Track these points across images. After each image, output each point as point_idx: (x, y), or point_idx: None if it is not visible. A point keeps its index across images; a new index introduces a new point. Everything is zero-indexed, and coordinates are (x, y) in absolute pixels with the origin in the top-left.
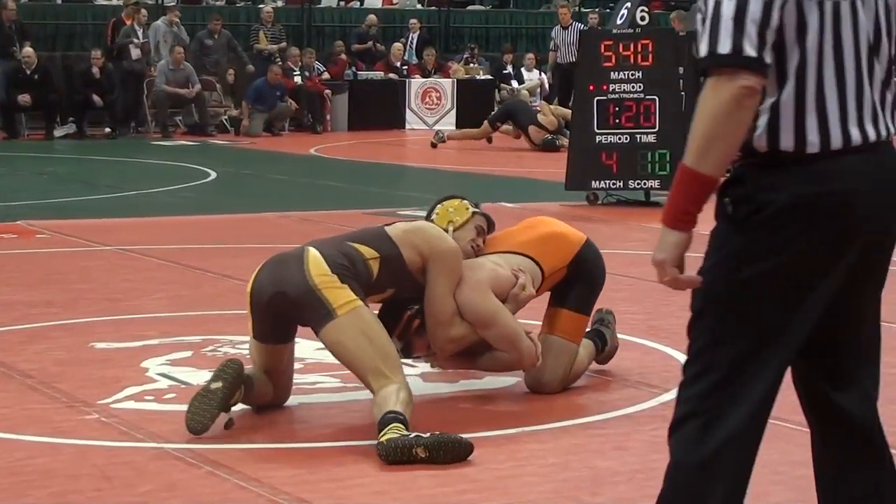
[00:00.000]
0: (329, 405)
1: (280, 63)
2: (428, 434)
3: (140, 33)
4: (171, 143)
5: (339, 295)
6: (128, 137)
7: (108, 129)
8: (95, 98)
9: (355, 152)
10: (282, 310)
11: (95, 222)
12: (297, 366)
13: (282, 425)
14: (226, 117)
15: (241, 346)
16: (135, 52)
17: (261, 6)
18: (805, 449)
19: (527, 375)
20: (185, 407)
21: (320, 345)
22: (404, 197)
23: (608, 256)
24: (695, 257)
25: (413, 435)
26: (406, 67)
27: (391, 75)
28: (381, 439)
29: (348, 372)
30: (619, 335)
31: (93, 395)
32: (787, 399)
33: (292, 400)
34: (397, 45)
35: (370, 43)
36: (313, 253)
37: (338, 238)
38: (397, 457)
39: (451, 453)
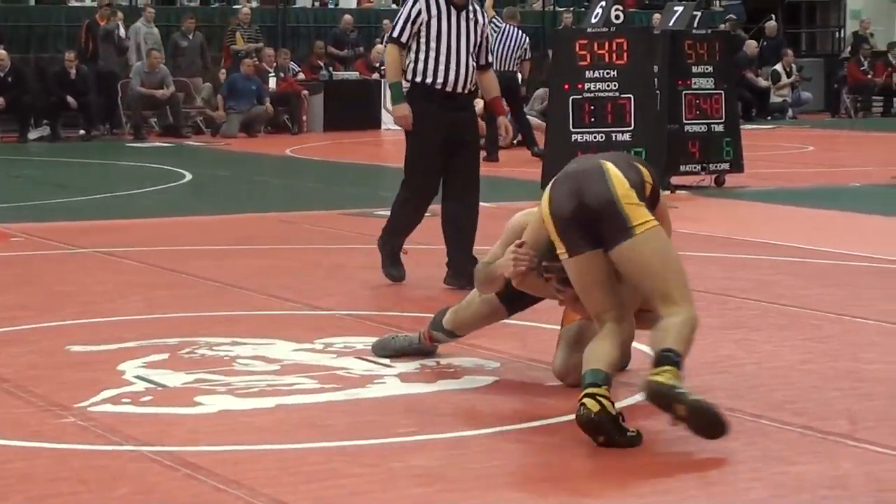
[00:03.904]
0: (307, 406)
1: (251, 61)
2: (699, 397)
3: (122, 33)
4: (146, 145)
5: (639, 213)
6: (102, 140)
7: (82, 132)
8: (70, 100)
9: (331, 153)
10: (584, 221)
11: (70, 225)
12: (274, 367)
13: (260, 427)
14: (201, 118)
15: (217, 347)
16: (129, 55)
17: (235, 7)
18: (784, 446)
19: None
20: (162, 410)
21: (297, 346)
22: (381, 197)
23: None
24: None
25: (683, 390)
26: (384, 68)
27: (374, 76)
28: (652, 378)
29: (326, 373)
30: None
31: (69, 398)
32: (767, 397)
33: (269, 401)
34: (379, 47)
35: (346, 50)
36: (612, 168)
37: (621, 155)
38: (658, 403)
39: (708, 426)
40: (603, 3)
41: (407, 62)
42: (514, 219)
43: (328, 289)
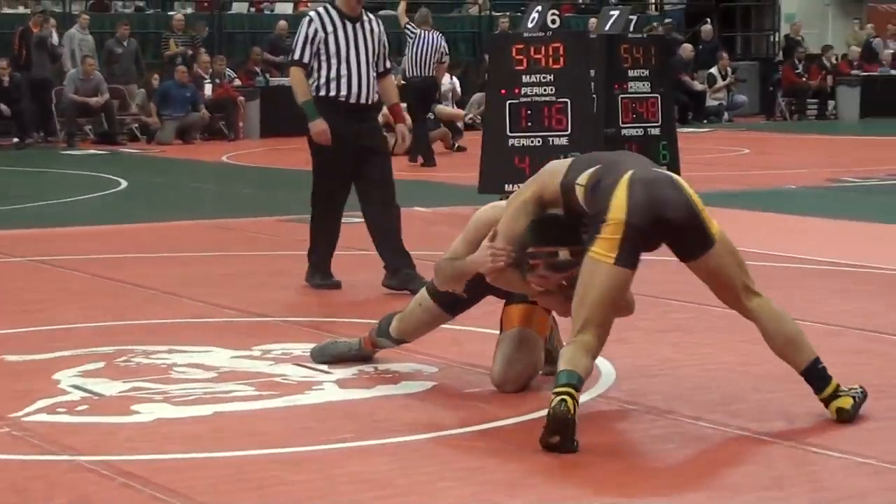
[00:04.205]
0: (245, 414)
1: (184, 68)
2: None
3: (55, 40)
4: (81, 153)
5: (711, 220)
6: (36, 147)
7: (15, 140)
8: (3, 108)
9: (268, 159)
10: (660, 234)
11: (4, 233)
12: (211, 375)
13: (197, 435)
14: (136, 125)
15: (154, 355)
16: (63, 62)
17: (170, 13)
18: (721, 447)
19: None
20: (98, 419)
21: (235, 353)
22: None
23: None
24: None
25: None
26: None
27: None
28: (841, 406)
29: (264, 380)
30: None
31: (4, 408)
32: (705, 399)
33: (206, 409)
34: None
35: (282, 55)
36: (676, 177)
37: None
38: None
39: None
40: (539, 8)
41: (311, 78)
42: (481, 212)
43: (266, 295)
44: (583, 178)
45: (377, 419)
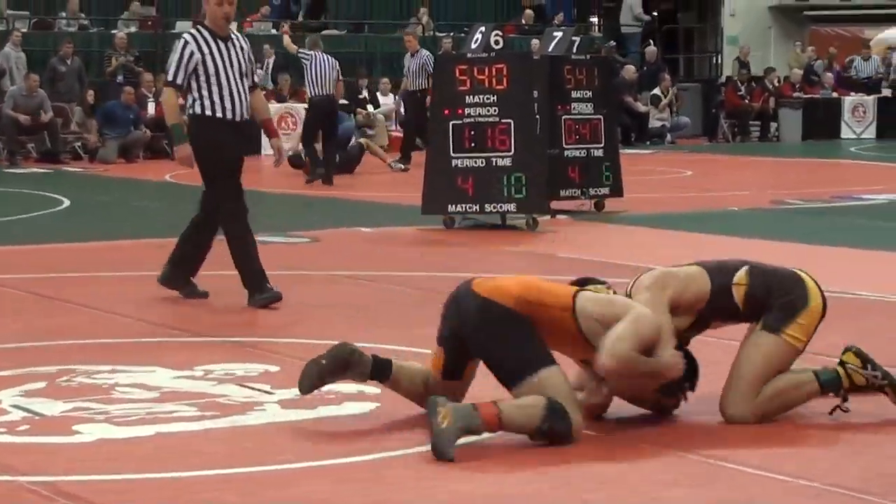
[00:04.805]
0: (187, 434)
1: (131, 89)
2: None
3: None
4: (23, 171)
5: None
6: None
7: None
8: None
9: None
10: None
11: None
12: (153, 395)
13: (140, 455)
14: (79, 144)
15: (96, 375)
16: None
17: (113, 31)
18: (662, 469)
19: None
20: (39, 439)
21: (177, 373)
22: (260, 223)
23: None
24: None
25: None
26: (264, 93)
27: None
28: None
29: (206, 400)
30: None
31: None
32: (645, 421)
33: (148, 429)
34: (259, 72)
35: None
36: None
37: None
38: None
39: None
40: (482, 29)
41: (190, 99)
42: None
43: (208, 315)
44: (740, 278)
45: (320, 440)
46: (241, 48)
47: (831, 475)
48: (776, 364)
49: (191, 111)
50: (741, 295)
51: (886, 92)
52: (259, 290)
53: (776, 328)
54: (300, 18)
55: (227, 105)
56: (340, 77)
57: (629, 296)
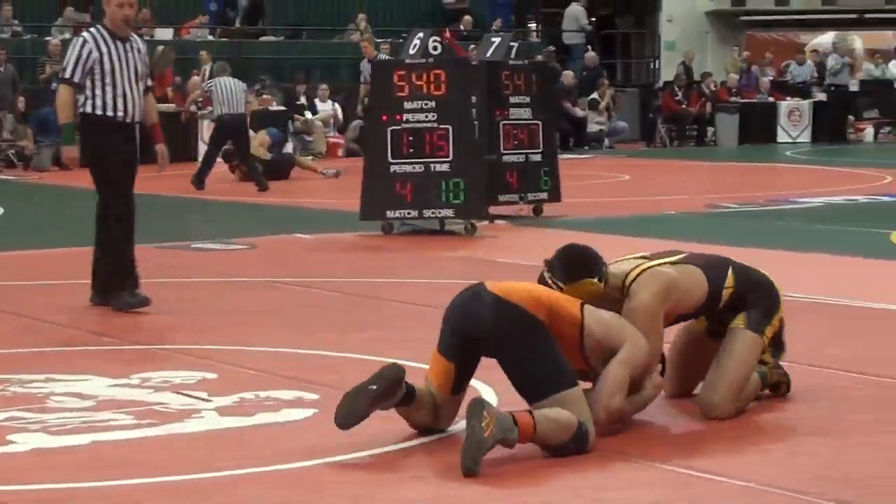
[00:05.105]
0: (124, 442)
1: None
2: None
3: None
4: None
5: None
6: None
7: None
8: None
9: (146, 185)
10: None
11: None
12: (89, 403)
13: (76, 465)
14: (12, 151)
15: (30, 384)
16: None
17: (47, 38)
18: (601, 471)
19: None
20: None
21: (113, 381)
22: (195, 230)
23: (403, 286)
24: None
25: None
26: (201, 100)
27: (192, 108)
28: None
29: (143, 409)
30: (409, 363)
31: None
32: None
33: (84, 438)
34: (195, 79)
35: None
36: None
37: None
38: None
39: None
40: (421, 35)
41: (83, 97)
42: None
43: (144, 322)
44: (729, 282)
45: (258, 447)
46: (139, 50)
47: (769, 477)
48: (755, 362)
49: (82, 110)
50: (727, 297)
51: (821, 96)
52: (124, 289)
53: (759, 329)
54: (237, 25)
55: (120, 105)
56: (249, 99)
57: (628, 288)
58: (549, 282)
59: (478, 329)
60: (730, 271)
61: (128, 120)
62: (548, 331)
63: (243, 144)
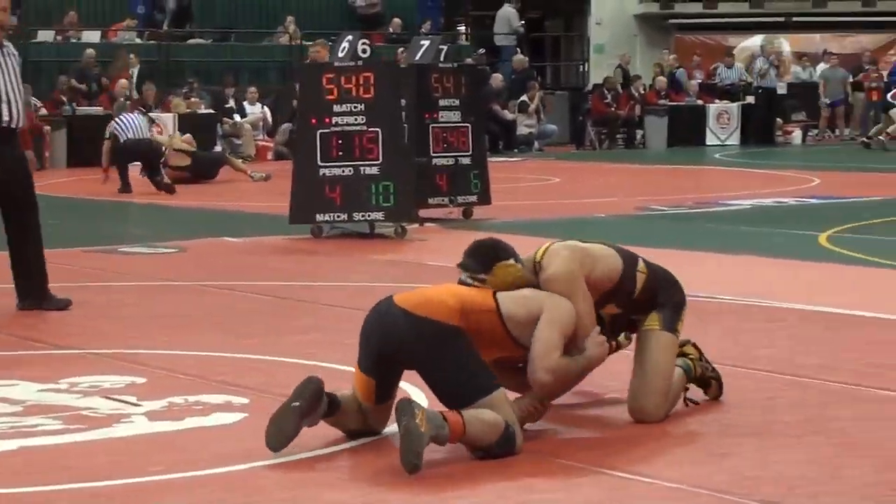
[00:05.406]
0: (52, 448)
1: None
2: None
3: None
4: None
5: None
6: None
7: None
8: None
9: (75, 189)
10: None
11: None
12: (16, 408)
13: (3, 470)
14: None
15: None
16: None
17: None
18: (529, 473)
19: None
20: None
21: (41, 386)
22: (126, 234)
23: (333, 290)
24: None
25: None
26: (129, 102)
27: (123, 100)
28: None
29: (72, 413)
30: (340, 367)
31: None
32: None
33: (12, 444)
34: (123, 81)
35: (91, 85)
36: None
37: None
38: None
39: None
40: (350, 38)
41: None
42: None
43: (72, 327)
44: (642, 267)
45: (188, 451)
46: (14, 55)
47: (699, 478)
48: (675, 361)
49: None
50: (641, 282)
51: (750, 99)
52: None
53: (673, 328)
54: (165, 27)
55: (4, 109)
56: (153, 128)
57: (539, 263)
58: (470, 281)
59: (391, 346)
60: (640, 259)
61: (12, 125)
62: (463, 336)
63: (150, 165)
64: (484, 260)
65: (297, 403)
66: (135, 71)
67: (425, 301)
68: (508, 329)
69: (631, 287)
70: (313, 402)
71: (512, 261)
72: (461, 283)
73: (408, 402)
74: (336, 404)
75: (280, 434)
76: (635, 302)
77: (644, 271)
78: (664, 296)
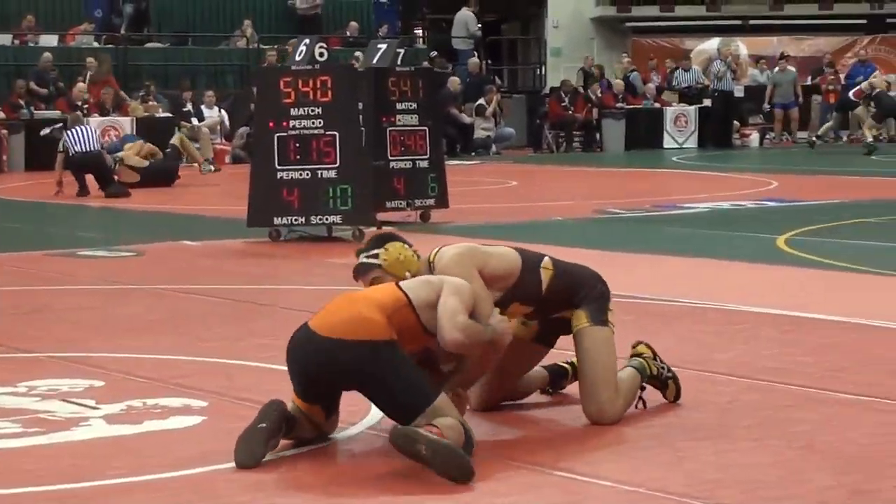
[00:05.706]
0: (10, 451)
1: None
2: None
3: None
4: None
5: None
6: None
7: None
8: None
9: (34, 192)
10: None
11: None
12: None
13: None
14: None
15: None
16: None
17: None
18: (490, 477)
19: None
20: None
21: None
22: (85, 237)
23: (291, 293)
24: None
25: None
26: (87, 106)
27: (78, 113)
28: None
29: (29, 417)
30: None
31: None
32: (474, 430)
33: None
34: (81, 85)
35: (48, 88)
36: None
37: None
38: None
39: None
40: (307, 41)
41: None
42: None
43: (31, 330)
44: (547, 264)
45: (146, 455)
46: None
47: (656, 481)
48: (615, 353)
49: None
50: (547, 279)
51: (707, 101)
52: None
53: (603, 320)
54: (123, 31)
55: None
56: (103, 141)
57: (432, 265)
58: (366, 259)
59: (322, 375)
60: (547, 257)
61: None
62: (398, 347)
63: (100, 177)
64: (379, 241)
65: (264, 424)
66: (89, 74)
67: (351, 322)
68: (421, 319)
69: (535, 284)
70: (278, 422)
71: (405, 244)
72: (357, 267)
73: (406, 434)
74: (293, 422)
75: (250, 455)
76: (546, 300)
77: (550, 268)
78: (582, 291)
